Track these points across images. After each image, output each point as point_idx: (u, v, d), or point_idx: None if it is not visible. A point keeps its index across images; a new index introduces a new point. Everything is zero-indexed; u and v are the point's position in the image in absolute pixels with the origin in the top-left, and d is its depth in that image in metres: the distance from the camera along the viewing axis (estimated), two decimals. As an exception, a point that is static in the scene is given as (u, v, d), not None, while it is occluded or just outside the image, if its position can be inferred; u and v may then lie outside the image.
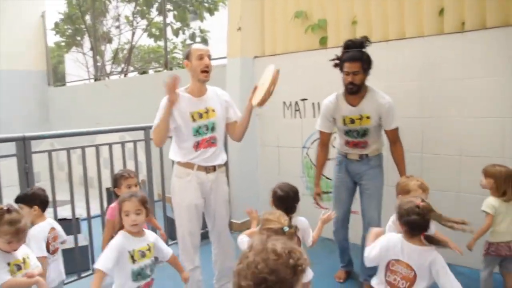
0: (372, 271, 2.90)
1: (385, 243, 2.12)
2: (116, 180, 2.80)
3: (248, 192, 4.60)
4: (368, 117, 2.94)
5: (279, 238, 1.28)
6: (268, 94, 2.62)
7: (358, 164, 3.10)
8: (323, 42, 4.15)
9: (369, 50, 3.05)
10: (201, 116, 2.68)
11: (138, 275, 2.21)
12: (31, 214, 2.45)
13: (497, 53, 3.15)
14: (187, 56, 2.70)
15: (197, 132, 2.69)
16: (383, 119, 2.96)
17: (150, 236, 2.33)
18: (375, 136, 3.06)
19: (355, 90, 2.92)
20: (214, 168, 2.78)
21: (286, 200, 2.45)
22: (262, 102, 2.64)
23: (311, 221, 2.68)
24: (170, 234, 4.05)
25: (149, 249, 2.27)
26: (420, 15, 3.53)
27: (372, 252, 2.15)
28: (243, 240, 2.25)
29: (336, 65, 3.06)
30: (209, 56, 2.67)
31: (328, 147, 3.27)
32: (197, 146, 2.71)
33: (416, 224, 2.01)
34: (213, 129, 2.73)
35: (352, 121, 2.98)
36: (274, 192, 2.50)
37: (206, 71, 2.65)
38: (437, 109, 3.43)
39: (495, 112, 3.19)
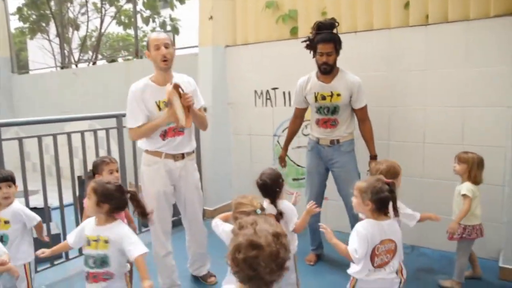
0: None
1: (365, 233, 2.09)
2: (97, 166, 2.75)
3: (220, 180, 4.66)
4: (338, 94, 3.10)
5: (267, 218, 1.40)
6: (186, 109, 2.66)
7: (329, 150, 3.21)
8: (293, 32, 4.22)
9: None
10: (166, 105, 2.66)
11: (85, 261, 2.15)
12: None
13: (457, 45, 3.31)
14: (147, 46, 2.70)
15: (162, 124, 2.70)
16: (353, 97, 3.12)
17: (113, 231, 2.12)
18: (345, 115, 3.18)
19: (328, 70, 3.09)
20: (182, 156, 2.81)
21: (265, 188, 2.52)
22: (189, 122, 2.69)
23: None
24: (143, 222, 4.08)
25: (96, 241, 2.12)
26: (387, 8, 3.64)
27: (360, 250, 2.07)
28: (217, 223, 2.31)
29: (307, 47, 3.18)
30: (166, 45, 2.64)
31: (301, 120, 3.45)
32: (164, 135, 2.73)
33: (387, 200, 2.11)
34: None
35: (324, 98, 3.14)
36: (256, 182, 2.57)
37: (165, 60, 2.64)
38: (402, 99, 3.57)
39: (456, 101, 3.36)
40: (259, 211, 2.07)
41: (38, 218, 2.64)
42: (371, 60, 3.57)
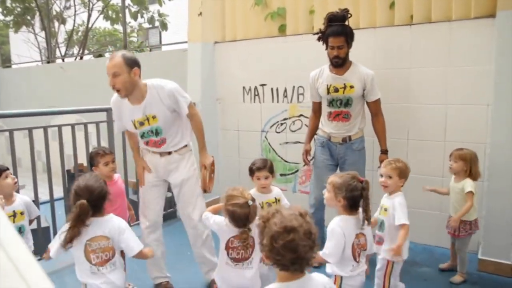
0: None
1: (340, 230, 2.12)
2: (92, 158, 2.76)
3: (208, 175, 4.70)
4: (352, 86, 3.08)
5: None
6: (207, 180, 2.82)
7: (341, 148, 3.20)
8: (282, 29, 4.29)
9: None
10: (142, 124, 2.69)
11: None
12: None
13: (440, 45, 3.41)
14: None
15: (143, 135, 2.76)
16: (367, 90, 3.12)
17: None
18: (358, 108, 3.16)
19: (340, 63, 3.08)
20: (169, 152, 2.81)
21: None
22: (211, 186, 2.84)
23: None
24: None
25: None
26: (373, 8, 3.73)
27: (334, 250, 2.10)
28: (207, 216, 2.36)
29: (319, 39, 3.17)
30: (114, 74, 2.55)
31: (320, 113, 3.36)
32: (147, 143, 2.80)
33: (359, 199, 2.15)
34: (158, 133, 2.73)
35: (336, 90, 3.11)
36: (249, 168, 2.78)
37: (115, 89, 2.60)
38: (387, 96, 3.63)
39: (438, 99, 3.46)
40: (250, 202, 2.13)
41: (38, 211, 2.69)
42: (357, 58, 3.62)
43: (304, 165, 3.67)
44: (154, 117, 2.67)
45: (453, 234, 3.03)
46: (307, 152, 3.42)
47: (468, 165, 2.96)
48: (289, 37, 4.17)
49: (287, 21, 4.22)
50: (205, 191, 2.85)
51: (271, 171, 2.74)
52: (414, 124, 3.59)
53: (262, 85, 4.37)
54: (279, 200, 2.75)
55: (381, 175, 2.60)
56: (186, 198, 2.90)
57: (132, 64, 2.57)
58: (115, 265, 2.13)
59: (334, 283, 2.15)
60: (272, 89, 4.31)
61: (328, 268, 2.20)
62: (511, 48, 3.02)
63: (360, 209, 2.18)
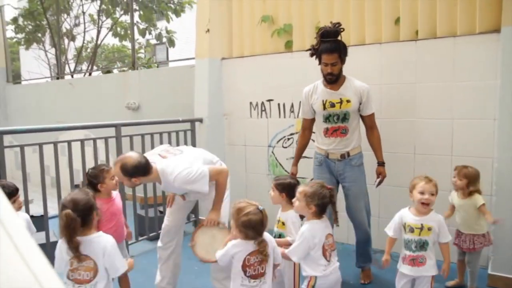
0: (367, 258, 3.31)
1: (309, 234, 2.35)
2: (96, 175, 2.72)
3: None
4: (348, 101, 3.04)
5: None
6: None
7: (340, 164, 3.15)
8: (288, 45, 4.34)
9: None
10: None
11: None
12: None
13: (445, 60, 3.43)
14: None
15: None
16: (363, 104, 3.08)
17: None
18: (355, 123, 3.13)
19: (334, 80, 3.06)
20: None
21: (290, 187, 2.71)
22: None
23: (275, 217, 2.85)
24: (140, 231, 4.14)
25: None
26: (378, 23, 3.77)
27: (299, 252, 2.36)
28: (220, 254, 2.28)
29: (312, 55, 3.13)
30: (113, 178, 2.73)
31: (310, 132, 3.35)
32: None
33: (328, 204, 2.41)
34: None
35: (333, 105, 3.07)
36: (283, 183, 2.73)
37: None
38: (393, 111, 3.67)
39: (445, 113, 3.47)
40: (261, 207, 2.19)
41: (35, 229, 2.70)
42: (362, 73, 3.64)
43: (311, 179, 3.66)
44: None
45: (467, 249, 3.00)
46: (293, 175, 3.30)
47: (473, 183, 2.97)
48: (295, 53, 4.21)
49: (294, 37, 4.28)
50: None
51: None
52: (421, 139, 3.59)
53: (269, 100, 4.41)
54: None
55: (422, 193, 2.51)
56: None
57: (132, 174, 2.51)
58: (96, 286, 2.05)
59: (309, 283, 2.37)
60: (279, 104, 4.35)
61: (304, 272, 2.41)
62: (516, 63, 3.05)
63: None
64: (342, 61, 3.05)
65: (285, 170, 4.33)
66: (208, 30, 4.61)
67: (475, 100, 3.34)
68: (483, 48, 3.27)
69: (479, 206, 2.93)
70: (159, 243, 3.01)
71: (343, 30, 3.09)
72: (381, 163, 3.23)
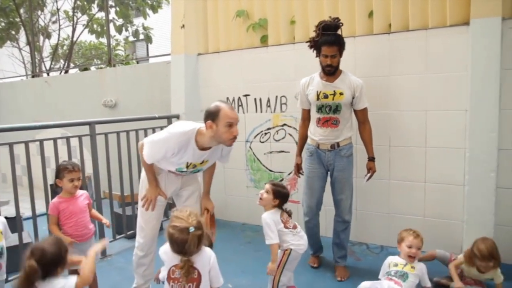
0: (342, 252, 3.36)
1: (271, 221, 2.69)
2: (59, 171, 2.73)
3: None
4: (341, 93, 3.12)
5: None
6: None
7: (330, 155, 3.21)
8: (263, 40, 4.33)
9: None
10: (194, 166, 2.64)
11: None
12: None
13: (418, 52, 3.47)
14: (213, 117, 2.42)
15: (180, 171, 2.68)
16: (356, 99, 3.15)
17: None
18: (346, 115, 3.20)
19: (332, 72, 3.13)
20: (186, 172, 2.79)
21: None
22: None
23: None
24: (118, 229, 4.10)
25: None
26: (352, 17, 3.79)
27: (273, 235, 2.67)
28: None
29: (311, 47, 3.21)
30: (237, 123, 2.48)
31: (309, 121, 3.37)
32: (172, 172, 2.73)
33: (286, 200, 2.79)
34: (196, 172, 2.75)
35: (326, 96, 3.14)
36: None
37: (234, 140, 2.48)
38: (368, 104, 3.68)
39: (418, 105, 3.52)
40: (192, 229, 1.96)
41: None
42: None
43: (289, 174, 3.72)
44: (206, 161, 2.66)
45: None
46: (298, 166, 3.45)
47: (497, 262, 2.76)
48: (270, 47, 4.21)
49: (269, 31, 4.27)
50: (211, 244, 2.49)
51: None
52: (396, 131, 3.63)
53: (246, 95, 4.40)
54: None
55: (410, 247, 2.73)
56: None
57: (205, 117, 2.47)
58: None
59: (284, 254, 2.69)
60: (255, 99, 4.35)
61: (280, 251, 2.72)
62: (484, 55, 3.11)
63: None
64: (341, 54, 3.13)
65: (263, 165, 4.34)
66: (183, 26, 4.58)
67: (447, 92, 3.39)
68: (454, 41, 3.32)
69: (498, 283, 2.79)
70: (140, 253, 2.85)
71: (342, 24, 3.17)
72: (371, 158, 3.30)
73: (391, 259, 2.81)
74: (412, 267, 2.68)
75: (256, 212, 4.38)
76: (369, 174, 3.29)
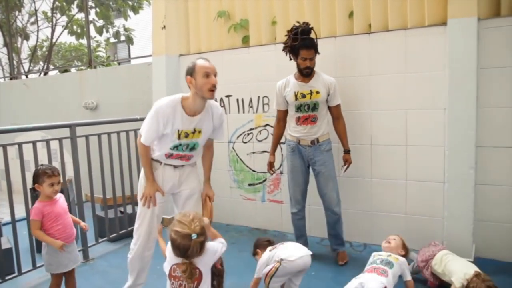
0: (338, 240, 3.47)
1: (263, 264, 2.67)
2: (38, 176, 2.69)
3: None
4: (318, 92, 3.31)
5: None
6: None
7: (310, 150, 3.39)
8: (245, 41, 4.34)
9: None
10: (187, 135, 2.60)
11: None
12: None
13: (397, 52, 3.52)
14: (191, 72, 2.53)
15: (175, 147, 2.63)
16: (330, 95, 3.35)
17: None
18: (323, 112, 3.38)
19: (310, 73, 3.32)
20: (183, 165, 2.76)
21: None
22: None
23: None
24: (100, 232, 4.05)
25: None
26: (333, 17, 3.83)
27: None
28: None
29: (287, 52, 3.40)
30: (215, 74, 2.54)
31: (284, 123, 3.55)
32: (169, 156, 2.66)
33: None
34: (192, 149, 2.68)
35: (303, 96, 3.33)
36: None
37: (213, 90, 2.51)
38: (350, 103, 3.72)
39: (398, 104, 3.56)
40: (194, 236, 1.97)
41: None
42: (318, 66, 3.67)
43: (272, 174, 3.74)
44: (199, 132, 2.63)
45: None
46: (271, 164, 3.61)
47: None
48: (252, 48, 4.22)
49: (250, 32, 4.28)
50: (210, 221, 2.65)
51: None
52: (377, 130, 3.67)
53: (228, 96, 4.40)
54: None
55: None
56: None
57: (185, 75, 2.58)
58: None
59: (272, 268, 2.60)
60: (237, 100, 4.35)
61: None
62: (461, 54, 3.16)
63: None
64: (316, 56, 3.33)
65: (246, 165, 4.35)
66: (164, 27, 4.55)
67: (426, 91, 3.44)
68: (432, 40, 3.37)
69: None
70: (148, 252, 2.81)
71: (312, 28, 3.37)
72: (347, 151, 3.49)
73: (375, 253, 2.86)
74: (395, 257, 2.72)
75: (240, 213, 4.40)
76: (346, 166, 3.47)
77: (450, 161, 3.30)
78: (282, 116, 3.54)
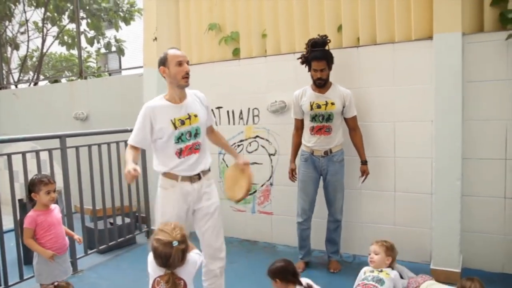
0: (334, 248, 3.55)
1: None
2: (34, 184, 2.72)
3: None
4: (333, 103, 3.40)
5: None
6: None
7: (323, 160, 3.46)
8: (235, 53, 4.39)
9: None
10: (183, 123, 2.56)
11: None
12: None
13: (385, 65, 3.59)
14: (163, 62, 2.57)
15: (179, 139, 2.56)
16: (346, 108, 3.44)
17: None
18: (338, 123, 3.46)
19: (323, 84, 3.42)
20: (199, 177, 2.63)
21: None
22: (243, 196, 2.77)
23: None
24: (90, 244, 4.02)
25: None
26: (322, 30, 3.87)
27: None
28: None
29: (302, 63, 3.51)
30: (187, 62, 2.59)
31: (302, 131, 3.61)
32: (180, 153, 2.57)
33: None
34: (196, 135, 2.61)
35: (319, 106, 3.42)
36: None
37: (187, 77, 2.55)
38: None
39: (387, 117, 3.62)
40: (175, 243, 1.97)
41: None
42: (308, 79, 3.73)
43: (262, 185, 3.78)
44: (196, 116, 2.62)
45: None
46: (292, 171, 3.67)
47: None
48: (242, 60, 4.27)
49: (241, 44, 4.33)
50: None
51: None
52: (366, 142, 3.68)
53: (218, 107, 4.43)
54: None
55: (369, 254, 2.93)
56: (217, 229, 2.72)
57: (158, 67, 2.61)
58: None
59: None
60: (228, 111, 4.38)
61: None
62: (447, 68, 3.23)
63: None
64: (330, 67, 3.42)
65: (237, 177, 4.36)
66: (155, 39, 4.59)
67: (414, 103, 3.51)
68: (419, 54, 3.44)
69: None
70: None
71: (330, 41, 3.49)
72: (364, 162, 3.54)
73: (366, 268, 2.89)
74: (387, 273, 2.76)
75: (230, 224, 4.40)
76: (363, 177, 3.54)
77: (437, 172, 3.35)
78: (299, 125, 3.62)
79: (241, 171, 2.81)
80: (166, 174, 2.61)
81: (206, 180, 2.68)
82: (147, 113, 2.55)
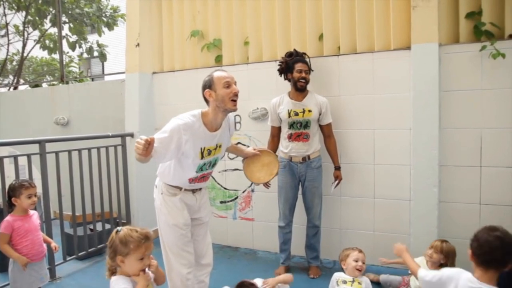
0: (314, 253, 3.59)
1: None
2: (15, 189, 2.70)
3: (148, 205, 4.61)
4: (310, 111, 3.46)
5: None
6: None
7: (302, 166, 3.51)
8: (218, 60, 4.41)
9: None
10: (210, 153, 2.46)
11: None
12: None
13: (365, 73, 3.65)
14: (209, 85, 2.41)
15: (201, 169, 2.49)
16: (322, 115, 3.50)
17: None
18: (314, 130, 3.52)
19: (304, 86, 3.50)
20: (200, 188, 2.66)
21: None
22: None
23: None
24: (68, 250, 3.97)
25: None
26: (303, 39, 3.95)
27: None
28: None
29: (281, 70, 3.61)
30: (235, 83, 2.43)
31: (278, 138, 3.66)
32: (193, 180, 2.53)
33: None
34: (213, 165, 2.59)
35: (296, 114, 3.48)
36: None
37: (235, 99, 2.39)
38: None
39: (366, 124, 3.68)
40: (120, 228, 1.95)
41: None
42: (289, 87, 3.78)
43: (243, 192, 3.79)
44: (220, 146, 2.52)
45: None
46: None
47: (446, 259, 2.96)
48: (225, 67, 4.29)
49: (223, 52, 4.35)
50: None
51: None
52: (346, 149, 3.77)
53: (201, 114, 4.42)
54: None
55: (356, 261, 2.90)
56: (208, 240, 2.79)
57: (203, 90, 2.47)
58: None
59: None
60: (210, 117, 4.37)
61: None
62: (424, 77, 3.32)
63: None
64: (309, 74, 3.54)
65: (217, 183, 4.37)
66: (138, 44, 4.58)
67: (393, 111, 3.58)
68: (397, 63, 3.52)
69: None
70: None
71: (308, 57, 3.66)
72: (337, 168, 3.62)
73: (337, 275, 2.91)
74: (359, 282, 2.79)
75: (211, 230, 4.37)
76: (336, 182, 3.59)
77: (415, 179, 3.42)
78: (275, 133, 3.67)
79: (267, 155, 2.97)
80: (169, 185, 2.56)
81: (204, 190, 2.74)
82: (181, 132, 2.32)
